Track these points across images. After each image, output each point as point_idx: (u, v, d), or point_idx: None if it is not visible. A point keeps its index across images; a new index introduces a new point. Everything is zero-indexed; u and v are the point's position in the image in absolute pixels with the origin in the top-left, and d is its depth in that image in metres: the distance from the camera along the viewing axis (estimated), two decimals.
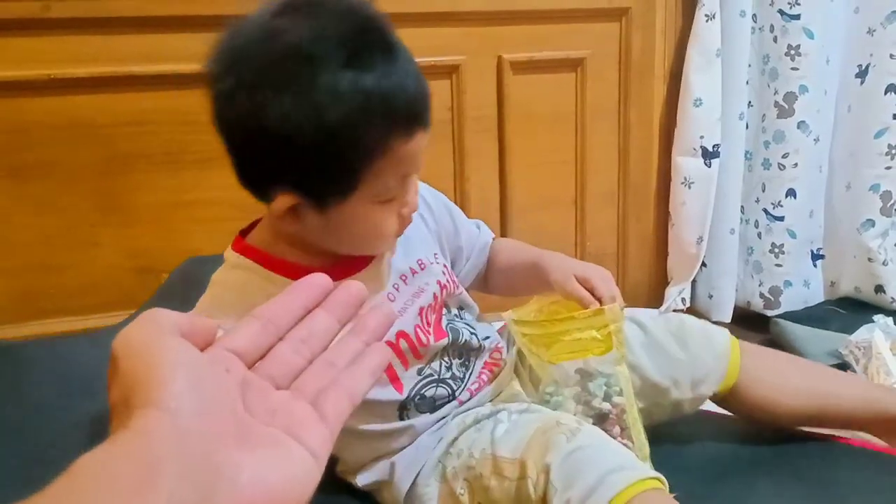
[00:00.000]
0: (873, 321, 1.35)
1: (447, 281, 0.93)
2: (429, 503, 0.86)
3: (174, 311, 0.35)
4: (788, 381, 1.01)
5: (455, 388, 0.91)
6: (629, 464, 0.72)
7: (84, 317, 1.39)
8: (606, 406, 0.85)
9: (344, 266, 0.84)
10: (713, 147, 1.58)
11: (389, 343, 0.84)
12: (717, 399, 1.01)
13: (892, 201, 1.62)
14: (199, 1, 1.34)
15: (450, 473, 0.84)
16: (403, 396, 0.87)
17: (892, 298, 1.63)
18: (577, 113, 1.62)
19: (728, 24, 1.56)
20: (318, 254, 0.83)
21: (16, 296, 1.36)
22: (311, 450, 0.34)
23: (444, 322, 0.92)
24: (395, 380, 0.87)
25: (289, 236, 0.82)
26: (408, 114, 0.75)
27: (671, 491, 0.74)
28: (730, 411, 1.05)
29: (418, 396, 0.89)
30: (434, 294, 0.91)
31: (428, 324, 0.89)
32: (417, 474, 0.88)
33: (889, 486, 0.95)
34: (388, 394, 0.86)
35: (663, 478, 0.73)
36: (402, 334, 0.86)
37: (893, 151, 1.59)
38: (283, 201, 0.75)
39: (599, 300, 0.88)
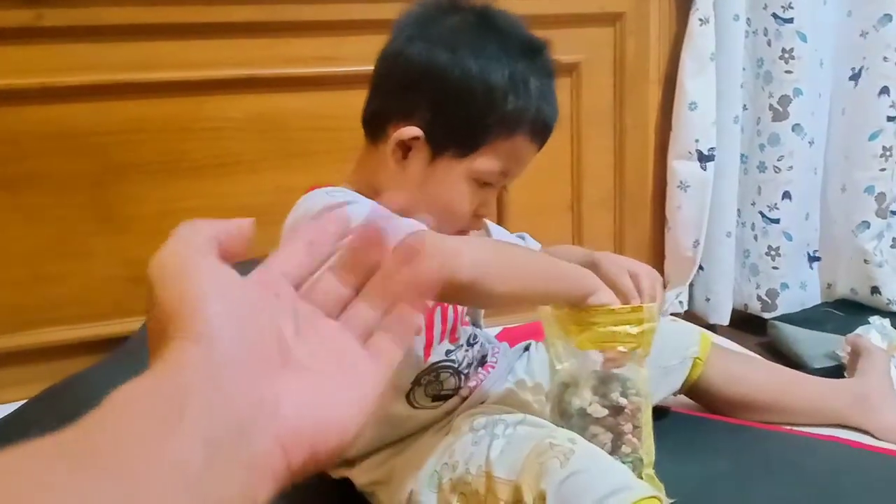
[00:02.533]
0: (869, 322, 1.35)
1: None
2: None
3: (206, 221, 0.33)
4: (748, 373, 1.14)
5: (462, 383, 0.95)
6: (625, 484, 0.71)
7: (77, 326, 1.38)
8: (623, 401, 0.85)
9: None
10: (708, 150, 1.58)
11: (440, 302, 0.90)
12: (686, 388, 1.10)
13: (886, 203, 1.62)
14: (192, 9, 1.34)
15: (445, 485, 0.84)
16: (426, 364, 0.91)
17: (889, 300, 1.63)
18: (572, 118, 1.62)
19: (722, 27, 1.56)
20: None
21: (9, 306, 1.35)
22: (363, 380, 0.33)
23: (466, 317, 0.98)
24: (429, 347, 0.91)
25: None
26: (542, 123, 0.87)
27: (671, 497, 0.73)
28: (697, 402, 1.14)
29: (433, 373, 0.92)
30: None
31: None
32: (415, 481, 0.88)
33: (886, 486, 0.95)
34: (418, 350, 0.90)
35: (661, 495, 0.73)
36: None
37: (887, 153, 1.60)
38: (408, 131, 0.84)
39: (640, 294, 0.91)
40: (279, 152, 1.44)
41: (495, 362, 1.00)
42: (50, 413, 1.17)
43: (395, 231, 0.37)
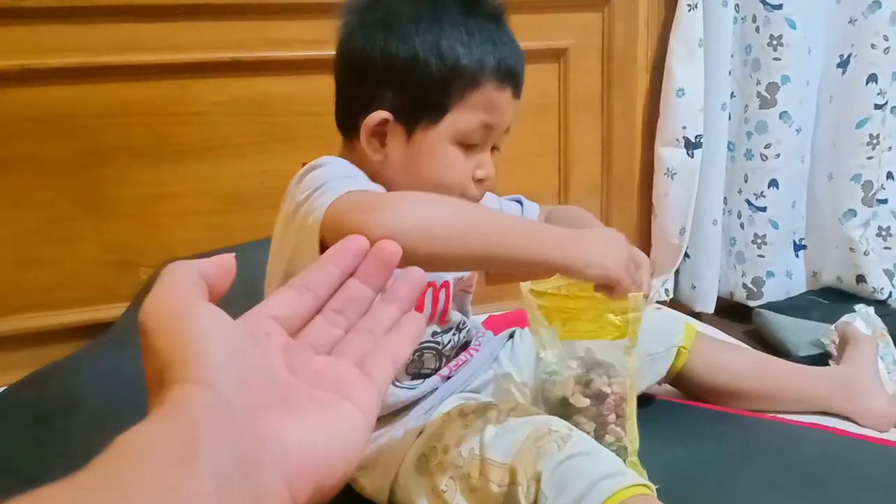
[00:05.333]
0: (855, 311, 1.36)
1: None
2: (412, 495, 0.86)
3: (192, 262, 0.33)
4: (733, 361, 1.14)
5: (442, 364, 0.95)
6: (618, 470, 0.72)
7: (62, 311, 1.38)
8: (607, 389, 0.85)
9: None
10: (696, 137, 1.58)
11: (431, 284, 0.91)
12: (671, 377, 1.10)
13: (873, 191, 1.63)
14: None
15: (434, 468, 0.84)
16: None
17: (874, 288, 1.64)
18: (560, 104, 1.62)
19: (710, 14, 1.55)
20: None
21: None
22: (360, 406, 0.34)
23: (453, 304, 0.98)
24: None
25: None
26: (505, 67, 0.85)
27: (656, 483, 0.74)
28: (682, 391, 1.14)
29: (417, 353, 0.92)
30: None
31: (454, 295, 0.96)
32: (400, 465, 0.88)
33: (869, 473, 0.95)
34: None
35: (650, 483, 0.73)
36: (446, 284, 0.93)
37: (875, 141, 1.60)
38: (375, 116, 0.83)
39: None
40: (265, 136, 1.43)
41: (479, 346, 1.01)
42: (33, 399, 1.16)
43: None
